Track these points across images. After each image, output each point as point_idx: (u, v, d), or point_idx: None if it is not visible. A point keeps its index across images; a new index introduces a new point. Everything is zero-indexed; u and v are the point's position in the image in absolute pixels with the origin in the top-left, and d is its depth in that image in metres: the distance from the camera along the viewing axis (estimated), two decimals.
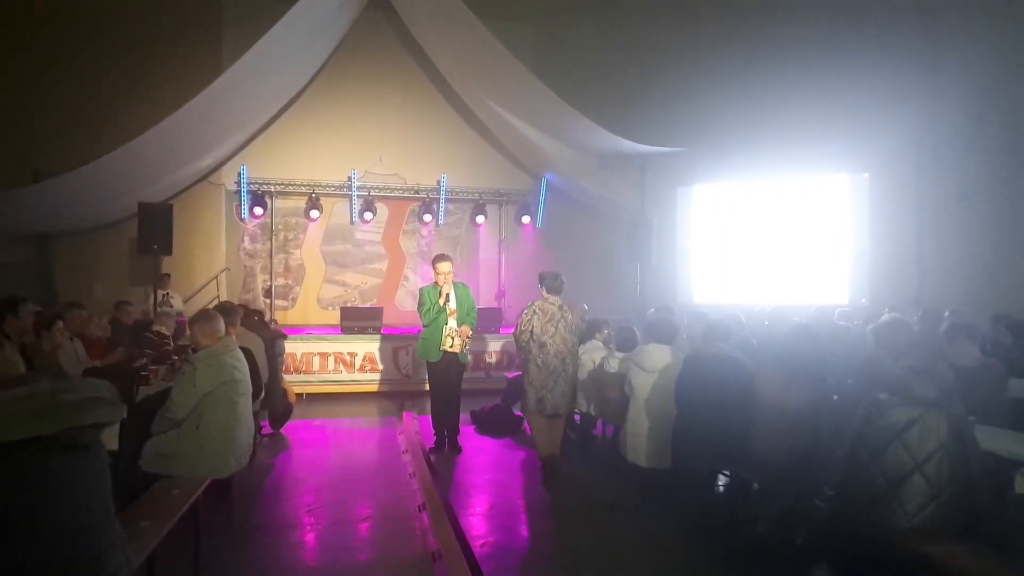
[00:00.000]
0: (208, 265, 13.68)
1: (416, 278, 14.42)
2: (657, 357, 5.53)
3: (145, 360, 6.35)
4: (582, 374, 6.71)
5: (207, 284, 13.62)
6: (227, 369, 4.93)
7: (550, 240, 14.10)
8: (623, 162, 12.37)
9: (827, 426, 3.58)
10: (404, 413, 8.93)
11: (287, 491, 5.93)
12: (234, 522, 5.16)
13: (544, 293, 6.39)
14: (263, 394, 6.67)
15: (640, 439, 5.51)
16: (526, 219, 14.03)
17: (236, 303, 6.22)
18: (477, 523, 5.24)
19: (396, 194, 14.01)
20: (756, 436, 4.19)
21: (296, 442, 7.69)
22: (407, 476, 6.29)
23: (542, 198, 13.96)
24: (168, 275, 12.75)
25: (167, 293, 12.58)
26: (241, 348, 5.66)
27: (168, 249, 10.58)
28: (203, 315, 5.03)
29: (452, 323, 7.17)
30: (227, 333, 5.56)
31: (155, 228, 10.29)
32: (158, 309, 12.47)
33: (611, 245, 13.21)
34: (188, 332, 5.05)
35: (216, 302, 13.59)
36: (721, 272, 11.71)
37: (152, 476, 4.75)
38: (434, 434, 7.34)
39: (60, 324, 5.75)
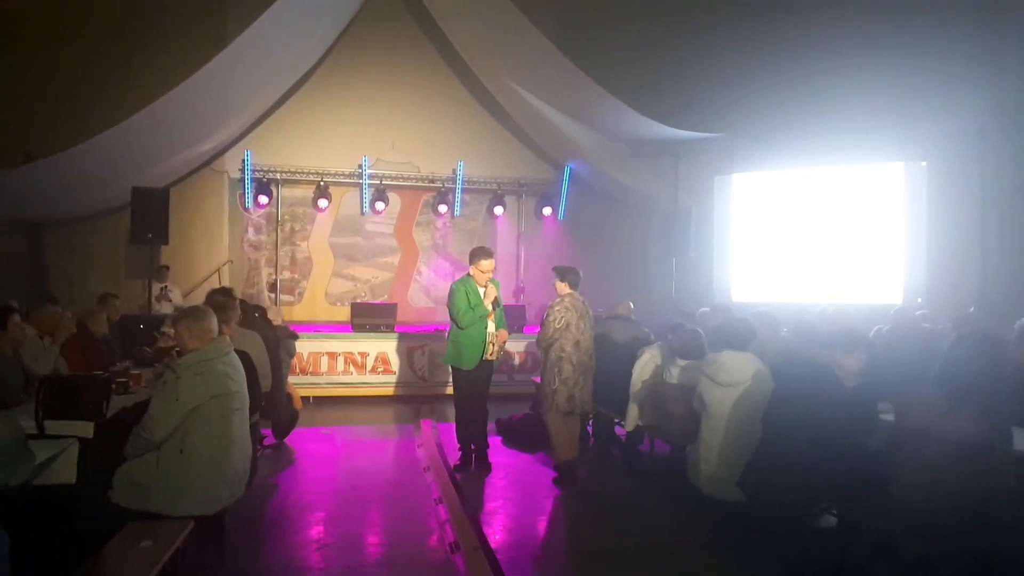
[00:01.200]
0: (210, 257, 12.72)
1: (430, 272, 13.43)
2: (735, 368, 4.52)
3: (127, 363, 5.35)
4: (637, 380, 5.72)
5: (208, 277, 12.65)
6: (219, 379, 3.94)
7: (573, 233, 13.09)
8: (655, 149, 11.36)
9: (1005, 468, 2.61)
10: (422, 421, 7.95)
11: (291, 522, 4.93)
12: (225, 563, 4.17)
13: (567, 288, 6.03)
14: (263, 404, 5.70)
15: (716, 466, 4.51)
16: (547, 211, 13.03)
17: (233, 296, 5.21)
18: (522, 567, 4.25)
19: (409, 183, 13.02)
20: (904, 474, 3.18)
21: (302, 455, 6.70)
22: (432, 502, 5.29)
23: (565, 188, 12.96)
24: (167, 267, 11.79)
25: (165, 286, 11.64)
26: (237, 351, 4.68)
27: (164, 238, 9.59)
28: (192, 312, 4.04)
29: (491, 327, 6.21)
30: (221, 333, 4.58)
31: (150, 215, 9.30)
32: (155, 303, 11.55)
33: (639, 239, 12.20)
34: (172, 332, 4.06)
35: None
36: (761, 268, 10.69)
37: (125, 512, 3.78)
38: (459, 447, 6.35)
39: (16, 318, 4.77)
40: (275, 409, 6.24)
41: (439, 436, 7.32)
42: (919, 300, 9.58)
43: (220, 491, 3.94)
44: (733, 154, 10.91)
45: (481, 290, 6.26)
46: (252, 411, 4.78)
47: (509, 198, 13.24)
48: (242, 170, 12.43)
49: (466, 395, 6.25)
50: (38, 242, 12.07)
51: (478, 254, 6.29)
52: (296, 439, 7.20)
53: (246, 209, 12.76)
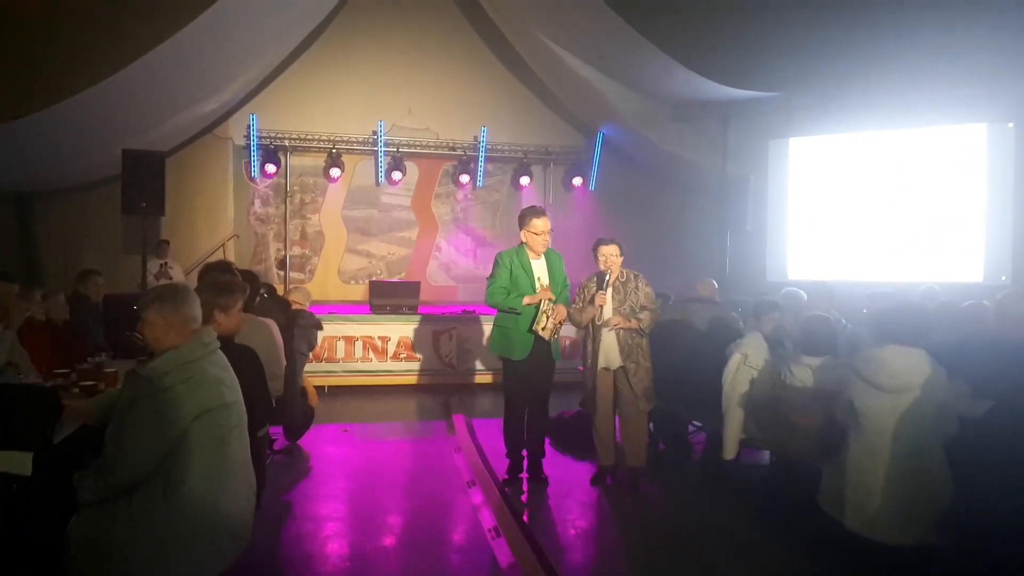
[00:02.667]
0: (213, 231, 11.53)
1: (450, 248, 12.19)
2: (904, 369, 3.31)
3: (102, 356, 4.13)
4: (737, 383, 4.48)
5: (212, 253, 11.44)
6: (211, 386, 2.74)
7: (605, 205, 11.80)
8: (701, 111, 10.06)
9: None
10: (454, 417, 6.77)
11: (311, 562, 3.76)
12: None
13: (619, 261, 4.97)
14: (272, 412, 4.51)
15: (878, 497, 3.32)
16: (577, 181, 11.75)
17: (235, 272, 3.99)
18: None
19: (428, 151, 11.74)
20: None
21: (318, 462, 5.52)
22: (487, 535, 4.11)
23: (597, 156, 11.66)
24: (167, 242, 10.60)
25: (165, 263, 10.46)
26: (237, 347, 3.47)
27: (159, 208, 8.34)
28: (165, 293, 2.79)
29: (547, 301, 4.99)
30: (215, 322, 3.38)
31: (144, 182, 8.04)
32: (153, 281, 10.37)
33: (680, 211, 10.97)
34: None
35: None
36: (821, 243, 9.44)
37: None
38: (507, 455, 5.16)
39: None
40: (288, 412, 5.05)
41: (475, 435, 6.13)
42: (1003, 279, 8.37)
43: (221, 544, 2.76)
44: (790, 115, 9.61)
45: (535, 263, 5.03)
46: (258, 425, 3.59)
47: (535, 167, 11.98)
48: (247, 136, 11.17)
49: (517, 391, 5.04)
50: (29, 214, 10.86)
51: (527, 214, 5.06)
52: (311, 440, 6.03)
53: (252, 179, 11.52)
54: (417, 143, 11.60)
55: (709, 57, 9.35)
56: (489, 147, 11.64)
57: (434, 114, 11.72)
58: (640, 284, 4.96)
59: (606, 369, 4.89)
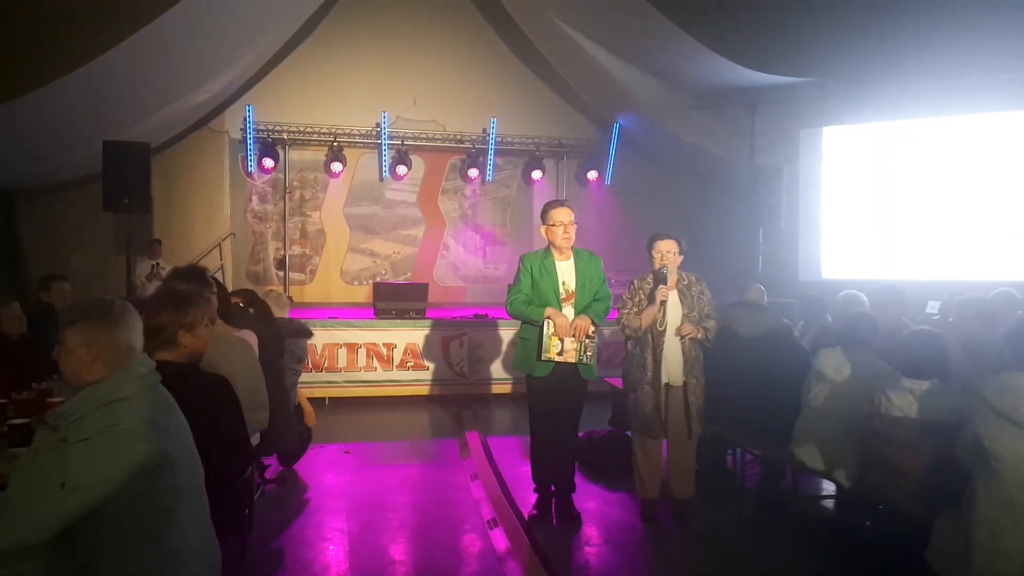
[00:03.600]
0: (208, 229, 10.80)
1: (458, 247, 11.44)
2: None
3: (44, 385, 3.38)
4: (819, 408, 3.71)
5: (207, 253, 10.70)
6: (144, 436, 1.99)
7: (622, 200, 11.03)
8: (726, 99, 9.29)
9: None
10: (467, 435, 6.02)
11: None
12: None
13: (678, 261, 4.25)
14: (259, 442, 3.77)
15: (1013, 564, 2.57)
16: (592, 175, 10.98)
17: (208, 281, 3.23)
18: None
19: (434, 144, 10.99)
20: None
21: (316, 494, 4.76)
22: None
23: (613, 148, 10.89)
24: (159, 241, 9.89)
25: (157, 264, 9.73)
26: (207, 377, 2.73)
27: (145, 204, 7.60)
28: (91, 310, 2.05)
29: (568, 310, 4.22)
30: (181, 345, 2.64)
31: (126, 175, 7.30)
32: (145, 283, 9.68)
33: (703, 206, 10.19)
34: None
35: (218, 273, 10.78)
36: (857, 240, 8.66)
37: None
38: (535, 488, 4.41)
39: None
40: (280, 438, 4.30)
41: (495, 460, 5.38)
42: None
43: None
44: (823, 103, 8.84)
45: (562, 266, 4.28)
46: (236, 475, 2.85)
47: (548, 161, 11.24)
48: (244, 129, 10.44)
49: (543, 414, 4.28)
50: (11, 213, 10.14)
51: (546, 207, 4.34)
52: (309, 464, 5.29)
53: (249, 174, 10.80)
54: (423, 136, 10.87)
55: (737, 40, 8.56)
56: (499, 139, 10.90)
57: (441, 105, 10.98)
58: (704, 288, 4.22)
59: (667, 385, 4.14)
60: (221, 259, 10.78)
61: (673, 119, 9.73)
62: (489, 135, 10.86)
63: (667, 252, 4.16)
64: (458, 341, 7.68)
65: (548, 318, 4.09)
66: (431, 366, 7.63)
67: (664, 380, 4.11)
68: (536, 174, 10.95)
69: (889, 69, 8.28)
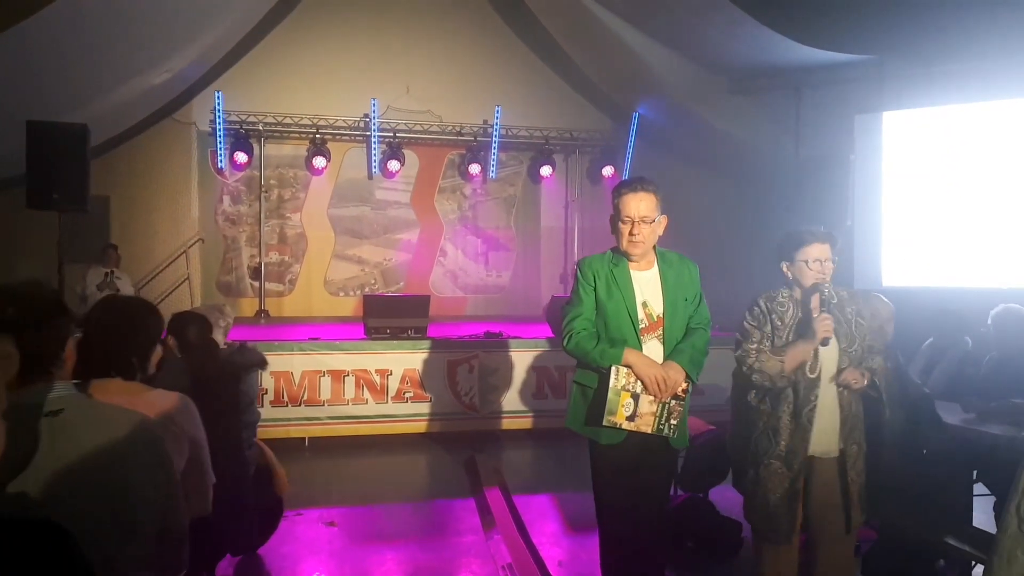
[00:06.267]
0: (174, 234, 9.38)
1: (457, 252, 10.01)
2: None
3: None
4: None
5: (172, 261, 9.27)
6: None
7: None
8: (767, 81, 7.94)
9: None
10: (489, 497, 4.55)
11: None
12: None
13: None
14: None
15: None
16: (608, 171, 9.59)
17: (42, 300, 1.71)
18: None
19: (430, 137, 9.57)
20: None
21: None
22: None
23: (631, 141, 9.51)
24: (114, 247, 8.30)
25: (111, 272, 8.20)
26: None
27: (79, 200, 6.04)
28: None
29: (653, 348, 2.78)
30: None
31: (55, 164, 5.77)
32: (96, 293, 8.17)
33: (739, 205, 8.85)
34: None
35: (184, 283, 9.29)
36: (924, 242, 7.31)
37: None
38: None
39: None
40: (229, 533, 2.83)
41: (531, 539, 3.93)
42: None
43: None
44: (883, 84, 7.49)
45: (640, 276, 2.85)
46: None
47: (558, 155, 9.91)
48: (213, 120, 8.95)
49: (616, 499, 2.82)
50: None
51: (615, 192, 2.83)
52: (281, 543, 3.83)
53: (220, 171, 9.34)
54: (417, 127, 9.49)
55: (783, 8, 7.23)
56: (503, 132, 9.55)
57: (437, 93, 9.66)
58: (862, 307, 2.81)
59: (812, 458, 2.71)
60: (188, 267, 9.32)
61: (704, 105, 8.37)
62: (492, 127, 9.50)
63: (823, 260, 2.74)
64: (467, 366, 6.21)
65: (625, 365, 2.66)
66: (433, 397, 6.14)
67: (815, 449, 2.68)
68: (545, 170, 9.59)
69: (960, 43, 6.95)
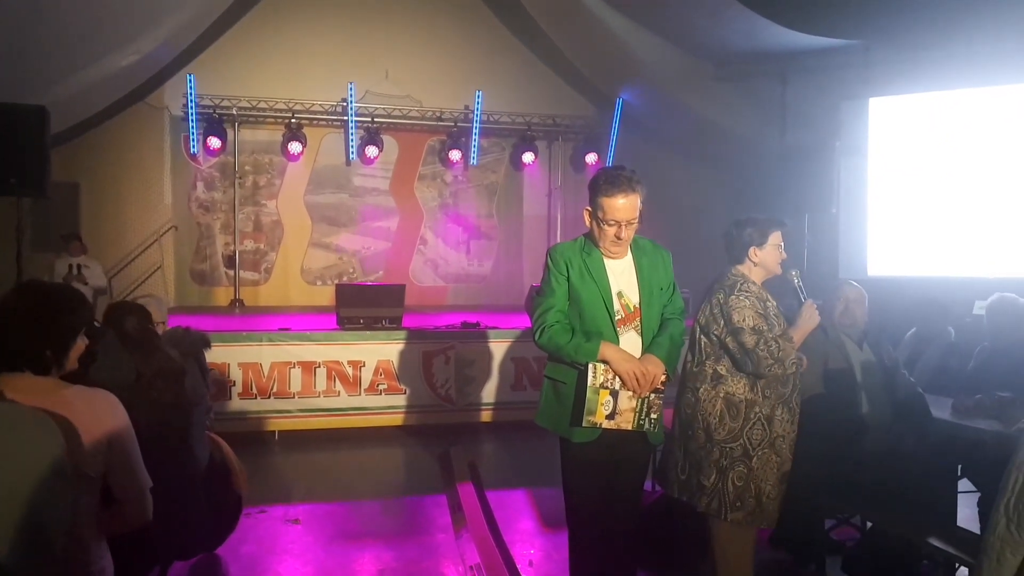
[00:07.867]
0: (145, 222, 9.13)
1: (437, 241, 9.81)
2: None
3: None
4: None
5: (145, 249, 9.01)
6: None
7: None
8: (753, 66, 7.79)
9: None
10: (461, 493, 4.39)
11: None
12: None
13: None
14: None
15: None
16: (591, 158, 9.40)
17: None
18: None
19: (410, 122, 9.35)
20: None
21: None
22: None
23: (615, 127, 9.33)
24: (76, 236, 7.97)
25: (76, 263, 7.90)
26: None
27: (39, 186, 5.73)
28: None
29: (630, 339, 2.61)
30: None
31: (13, 147, 5.51)
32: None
33: (723, 192, 8.71)
34: None
35: (158, 272, 9.05)
36: (911, 231, 7.21)
37: None
38: None
39: None
40: (177, 537, 2.66)
41: (502, 537, 3.78)
42: None
43: None
44: (869, 70, 7.35)
45: (614, 265, 2.68)
46: None
47: (540, 142, 9.71)
48: (186, 104, 8.68)
49: (586, 499, 2.67)
50: None
51: (595, 186, 2.58)
52: (241, 542, 3.65)
53: (193, 157, 9.10)
54: (396, 112, 9.26)
55: None
56: (484, 117, 9.34)
57: (417, 77, 9.44)
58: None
59: None
60: (161, 256, 9.08)
61: (689, 91, 8.21)
62: (473, 112, 9.28)
63: (782, 245, 2.68)
64: (443, 357, 6.03)
65: (602, 360, 2.50)
66: (408, 389, 5.97)
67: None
68: (527, 157, 9.40)
69: (946, 29, 6.81)
